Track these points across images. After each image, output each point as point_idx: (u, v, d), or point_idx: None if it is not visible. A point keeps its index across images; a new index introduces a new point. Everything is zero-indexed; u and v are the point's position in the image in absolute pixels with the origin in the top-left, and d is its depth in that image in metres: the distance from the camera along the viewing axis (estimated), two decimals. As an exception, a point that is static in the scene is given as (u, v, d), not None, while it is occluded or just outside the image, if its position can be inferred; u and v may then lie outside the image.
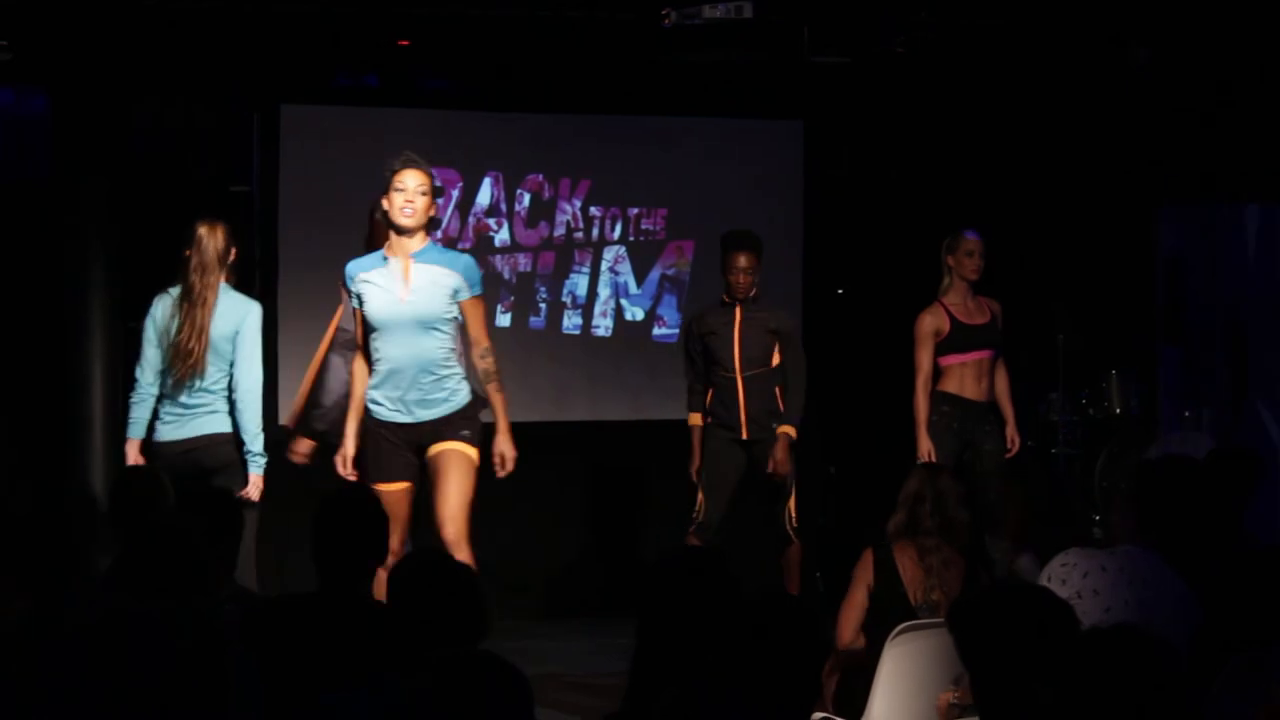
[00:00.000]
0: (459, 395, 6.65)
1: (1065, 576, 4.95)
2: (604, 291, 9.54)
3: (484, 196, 9.38)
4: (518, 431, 9.25)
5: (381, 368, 6.62)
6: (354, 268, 6.71)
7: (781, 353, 8.07)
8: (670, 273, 9.61)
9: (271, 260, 8.98)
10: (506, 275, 9.42)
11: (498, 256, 9.41)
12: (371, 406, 6.65)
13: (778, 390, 8.04)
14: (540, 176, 9.44)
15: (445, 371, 6.62)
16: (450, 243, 9.28)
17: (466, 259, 6.76)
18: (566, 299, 9.50)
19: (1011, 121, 9.76)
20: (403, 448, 6.64)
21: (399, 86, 9.25)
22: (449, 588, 4.07)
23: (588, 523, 9.36)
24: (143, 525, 4.80)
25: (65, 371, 8.55)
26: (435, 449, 6.61)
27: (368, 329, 6.65)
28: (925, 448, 7.97)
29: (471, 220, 9.35)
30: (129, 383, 7.98)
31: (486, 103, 9.37)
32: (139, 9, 8.22)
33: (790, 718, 3.56)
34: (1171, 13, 8.47)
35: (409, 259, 6.60)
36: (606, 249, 9.56)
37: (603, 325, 9.54)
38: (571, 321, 9.51)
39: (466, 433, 6.63)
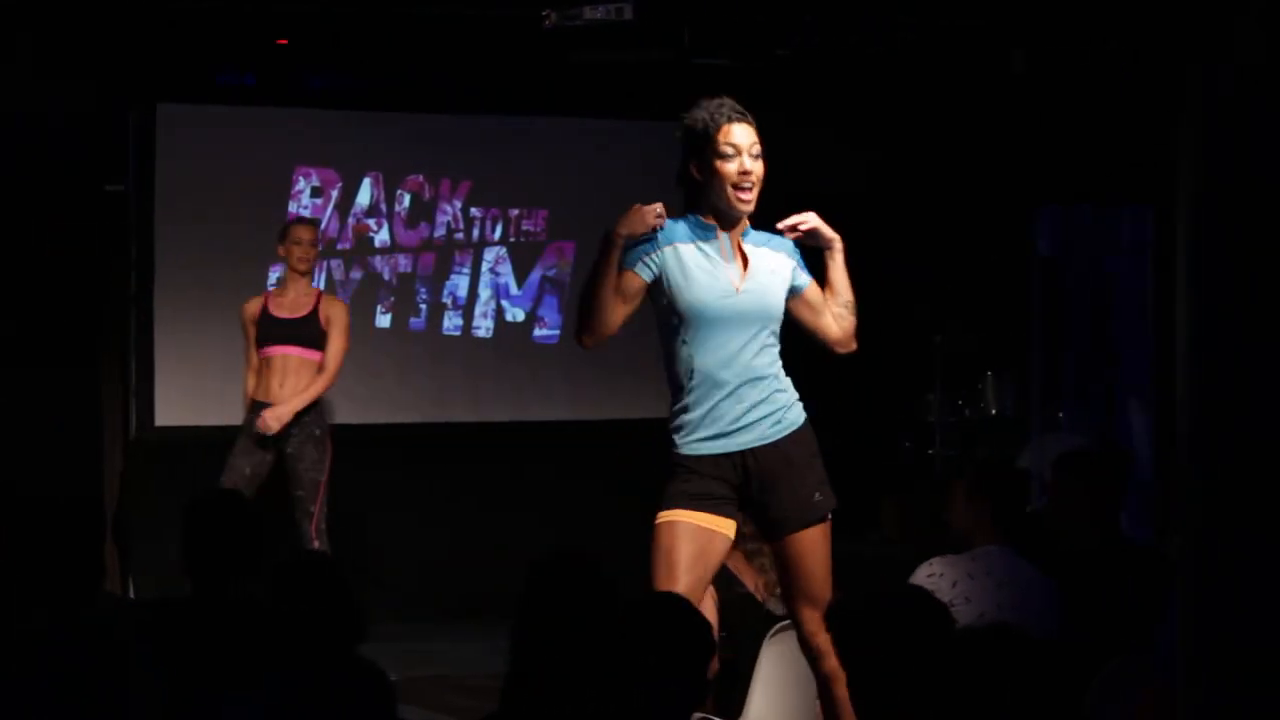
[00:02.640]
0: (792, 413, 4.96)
1: (935, 586, 5.00)
2: (485, 292, 9.53)
3: (364, 197, 9.33)
4: (399, 433, 9.26)
5: (691, 382, 4.89)
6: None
7: None
8: (551, 274, 9.60)
9: (147, 261, 8.88)
10: (386, 276, 9.37)
11: (377, 257, 9.36)
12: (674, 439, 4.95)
13: None
14: (421, 177, 9.41)
15: (775, 386, 4.93)
16: (330, 244, 9.23)
17: (786, 240, 5.05)
18: (447, 300, 9.47)
19: (891, 125, 9.85)
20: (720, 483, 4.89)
21: (278, 85, 9.18)
22: (324, 591, 4.05)
23: (470, 524, 9.33)
24: (25, 533, 4.73)
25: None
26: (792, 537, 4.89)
27: (677, 322, 4.90)
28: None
29: (351, 220, 9.30)
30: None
31: (366, 102, 9.32)
32: (13, 2, 8.11)
33: (676, 717, 3.57)
34: (1047, 19, 8.58)
35: (740, 239, 4.98)
36: (487, 250, 9.54)
37: (483, 326, 9.52)
38: (452, 322, 9.48)
39: (820, 497, 4.92)
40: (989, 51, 8.95)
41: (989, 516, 5.22)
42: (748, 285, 4.90)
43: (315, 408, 7.96)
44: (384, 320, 9.35)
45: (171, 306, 8.79)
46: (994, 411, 9.77)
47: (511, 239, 9.55)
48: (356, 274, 9.31)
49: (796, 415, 4.93)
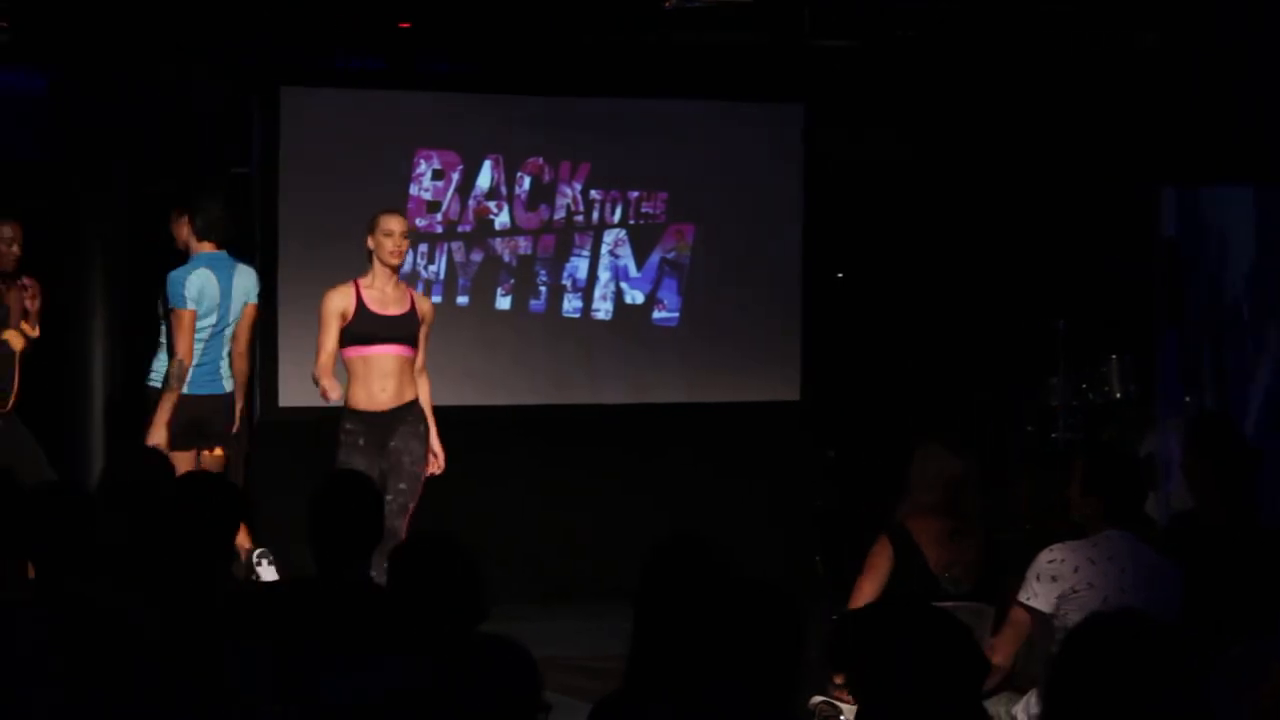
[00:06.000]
0: None
1: (1056, 573, 4.99)
2: (604, 275, 9.54)
3: (484, 179, 9.37)
4: (517, 414, 9.30)
5: None
6: None
7: None
8: (670, 256, 9.60)
9: (271, 243, 8.98)
10: (507, 258, 9.41)
11: (498, 239, 9.40)
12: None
13: None
14: (541, 159, 9.43)
15: None
16: (450, 226, 9.29)
17: None
18: (566, 282, 9.50)
19: (1014, 105, 9.75)
20: None
21: (399, 69, 9.23)
22: (449, 571, 4.07)
23: (586, 505, 9.36)
24: (145, 510, 4.79)
25: (67, 356, 8.56)
26: None
27: None
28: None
29: (472, 203, 9.34)
30: (130, 364, 7.99)
31: (487, 85, 9.36)
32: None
33: (772, 703, 3.54)
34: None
35: None
36: (606, 232, 9.55)
37: (603, 308, 9.54)
38: (571, 304, 9.51)
39: None
40: (1119, 31, 8.84)
41: (1102, 511, 5.18)
42: None
43: (418, 402, 7.56)
44: (504, 302, 9.38)
45: (295, 288, 8.86)
46: (1118, 395, 9.64)
47: (631, 221, 9.56)
48: (477, 256, 9.36)
49: None
